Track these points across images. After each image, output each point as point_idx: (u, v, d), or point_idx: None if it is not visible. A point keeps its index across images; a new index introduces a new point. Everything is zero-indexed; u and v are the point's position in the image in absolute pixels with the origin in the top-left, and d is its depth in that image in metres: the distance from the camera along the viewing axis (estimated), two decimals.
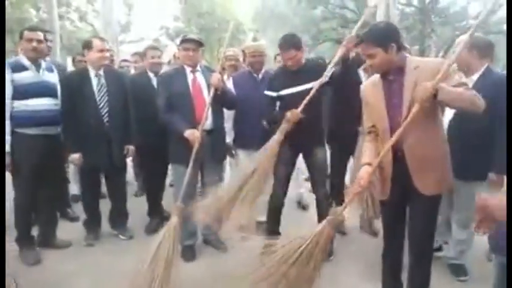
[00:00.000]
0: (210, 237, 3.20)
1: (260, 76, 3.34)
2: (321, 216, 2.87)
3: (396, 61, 1.94)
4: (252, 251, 2.88)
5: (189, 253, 2.98)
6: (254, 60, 3.34)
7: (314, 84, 2.76)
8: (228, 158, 3.65)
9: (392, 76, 2.00)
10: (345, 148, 3.23)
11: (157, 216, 3.54)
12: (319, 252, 1.97)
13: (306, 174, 3.54)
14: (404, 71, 1.95)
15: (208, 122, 2.86)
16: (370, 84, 2.15)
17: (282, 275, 1.96)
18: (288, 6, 16.77)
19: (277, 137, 2.69)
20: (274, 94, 2.96)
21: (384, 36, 1.94)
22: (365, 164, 2.04)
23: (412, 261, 2.11)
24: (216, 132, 2.99)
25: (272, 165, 2.69)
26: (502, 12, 13.20)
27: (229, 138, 3.44)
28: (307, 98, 2.67)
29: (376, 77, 2.10)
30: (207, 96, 2.85)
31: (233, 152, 3.54)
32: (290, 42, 2.81)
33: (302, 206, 4.13)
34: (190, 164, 2.69)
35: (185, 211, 2.60)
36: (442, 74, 1.79)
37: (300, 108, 2.68)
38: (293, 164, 3.05)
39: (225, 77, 3.69)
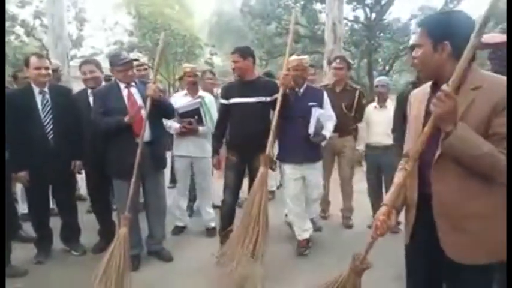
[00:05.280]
0: (155, 248, 3.25)
1: (301, 91, 3.27)
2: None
3: (449, 69, 1.36)
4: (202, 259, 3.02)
5: (134, 263, 2.96)
6: (296, 74, 3.22)
7: (262, 99, 3.05)
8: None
9: None
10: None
11: (106, 236, 3.37)
12: None
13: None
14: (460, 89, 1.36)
15: (146, 134, 2.89)
16: (419, 92, 1.62)
17: None
18: (243, 22, 17.14)
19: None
20: (225, 102, 3.16)
21: (439, 28, 1.41)
22: (384, 204, 1.55)
23: None
24: (155, 143, 3.04)
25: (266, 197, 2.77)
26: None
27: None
28: None
29: (429, 84, 1.56)
30: (144, 110, 2.87)
31: (274, 166, 3.49)
32: (238, 49, 3.10)
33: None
34: (134, 178, 2.72)
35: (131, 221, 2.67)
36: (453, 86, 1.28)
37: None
38: (243, 172, 3.21)
39: (184, 91, 3.80)
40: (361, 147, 4.13)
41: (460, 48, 1.31)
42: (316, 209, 3.73)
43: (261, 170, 2.77)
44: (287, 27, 14.77)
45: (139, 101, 2.98)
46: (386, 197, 1.58)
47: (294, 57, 3.36)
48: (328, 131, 3.29)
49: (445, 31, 1.39)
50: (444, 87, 1.29)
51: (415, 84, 2.84)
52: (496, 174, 1.30)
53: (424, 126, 1.42)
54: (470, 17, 1.42)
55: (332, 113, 3.40)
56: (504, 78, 1.38)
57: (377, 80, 4.15)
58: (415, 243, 1.57)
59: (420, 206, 1.51)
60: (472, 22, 1.38)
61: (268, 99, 3.06)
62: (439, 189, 1.43)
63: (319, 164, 3.41)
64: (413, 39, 2.84)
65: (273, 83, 3.21)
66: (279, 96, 2.84)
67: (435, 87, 1.47)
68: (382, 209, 1.53)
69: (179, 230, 3.85)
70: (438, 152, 1.39)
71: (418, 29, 1.50)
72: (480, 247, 1.38)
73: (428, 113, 1.44)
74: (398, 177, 1.58)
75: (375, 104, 4.00)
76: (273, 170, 3.69)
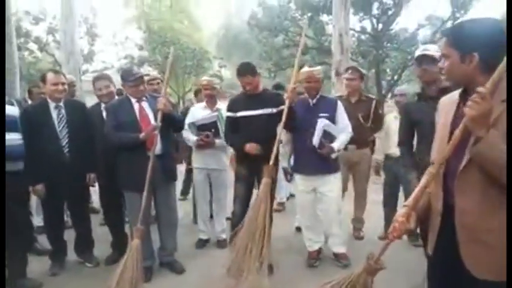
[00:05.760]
0: (167, 259, 3.28)
1: (314, 101, 3.27)
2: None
3: (478, 78, 1.35)
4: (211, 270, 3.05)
5: (146, 274, 2.99)
6: (308, 85, 3.25)
7: (268, 111, 3.09)
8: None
9: None
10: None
11: (119, 248, 3.44)
12: None
13: None
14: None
15: (157, 147, 2.95)
16: (447, 100, 1.58)
17: None
18: (251, 35, 17.34)
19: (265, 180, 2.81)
20: (232, 115, 3.22)
21: (466, 38, 1.37)
22: (404, 206, 1.53)
23: None
24: (165, 156, 3.11)
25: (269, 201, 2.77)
26: None
27: (285, 163, 3.52)
28: None
29: (458, 91, 1.52)
30: (157, 128, 2.91)
31: (288, 176, 3.55)
32: (245, 69, 3.13)
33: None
34: (145, 192, 2.79)
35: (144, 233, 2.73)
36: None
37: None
38: (252, 183, 3.25)
39: (203, 104, 3.84)
40: (380, 157, 4.10)
41: (489, 57, 1.31)
42: (335, 226, 3.33)
43: (264, 180, 2.80)
44: (294, 39, 14.91)
45: (151, 115, 3.06)
46: (408, 199, 1.53)
47: (305, 68, 3.37)
48: (340, 142, 3.19)
49: (473, 42, 1.35)
50: (480, 88, 1.24)
51: (420, 96, 2.85)
52: (502, 174, 1.25)
53: (451, 134, 1.40)
54: (498, 24, 1.36)
55: (347, 123, 3.29)
56: None
57: (396, 90, 4.27)
58: (438, 253, 1.54)
59: (444, 217, 1.47)
60: (500, 28, 1.34)
61: (275, 110, 3.11)
62: (462, 200, 1.39)
63: (334, 177, 3.25)
64: (419, 50, 2.80)
65: (279, 95, 3.28)
66: (285, 108, 2.87)
67: (465, 94, 1.44)
68: (402, 211, 1.49)
69: (202, 244, 3.85)
70: (465, 159, 1.35)
71: (443, 39, 1.48)
72: (497, 262, 1.33)
73: (455, 121, 1.43)
74: (423, 180, 1.52)
75: (395, 113, 3.96)
76: (289, 181, 3.73)
